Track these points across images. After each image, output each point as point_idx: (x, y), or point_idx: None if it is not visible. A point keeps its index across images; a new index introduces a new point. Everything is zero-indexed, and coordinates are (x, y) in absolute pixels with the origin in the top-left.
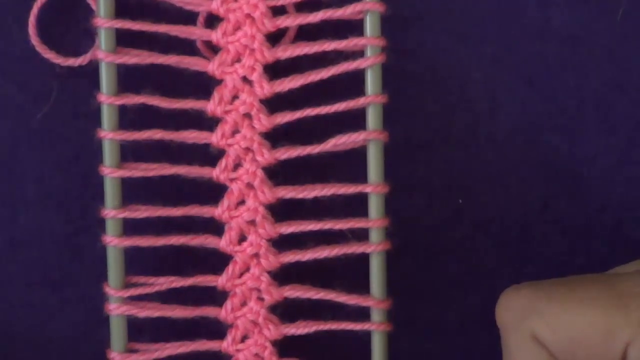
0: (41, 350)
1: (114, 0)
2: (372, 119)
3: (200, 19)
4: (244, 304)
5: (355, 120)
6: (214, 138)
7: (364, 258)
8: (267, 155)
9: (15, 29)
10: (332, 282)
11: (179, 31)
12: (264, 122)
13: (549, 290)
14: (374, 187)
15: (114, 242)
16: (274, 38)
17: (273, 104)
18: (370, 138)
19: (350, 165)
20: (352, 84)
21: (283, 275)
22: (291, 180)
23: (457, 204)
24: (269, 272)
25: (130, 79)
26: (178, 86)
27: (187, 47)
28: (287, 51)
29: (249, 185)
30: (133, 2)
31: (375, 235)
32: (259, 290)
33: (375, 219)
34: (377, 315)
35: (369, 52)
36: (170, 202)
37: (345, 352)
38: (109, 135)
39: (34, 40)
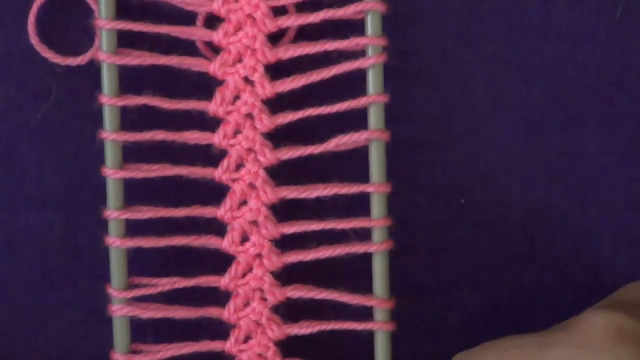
0: (41, 351)
1: (115, 1)
2: (374, 118)
3: (200, 20)
4: (246, 304)
5: (356, 120)
6: (216, 138)
7: (367, 258)
8: (269, 156)
9: (15, 28)
10: (334, 282)
11: (180, 32)
12: (266, 122)
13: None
14: (376, 186)
15: (116, 243)
16: (275, 38)
17: (275, 104)
18: (372, 138)
19: (352, 165)
20: (354, 83)
21: (286, 276)
22: (293, 181)
23: (458, 203)
24: (271, 273)
25: (131, 79)
26: (179, 87)
27: (188, 48)
28: (288, 51)
29: (251, 186)
30: (134, 3)
31: (377, 235)
32: (261, 291)
33: (377, 219)
34: (380, 315)
35: (370, 52)
36: (172, 202)
37: (349, 352)
38: (111, 136)
39: (34, 39)
